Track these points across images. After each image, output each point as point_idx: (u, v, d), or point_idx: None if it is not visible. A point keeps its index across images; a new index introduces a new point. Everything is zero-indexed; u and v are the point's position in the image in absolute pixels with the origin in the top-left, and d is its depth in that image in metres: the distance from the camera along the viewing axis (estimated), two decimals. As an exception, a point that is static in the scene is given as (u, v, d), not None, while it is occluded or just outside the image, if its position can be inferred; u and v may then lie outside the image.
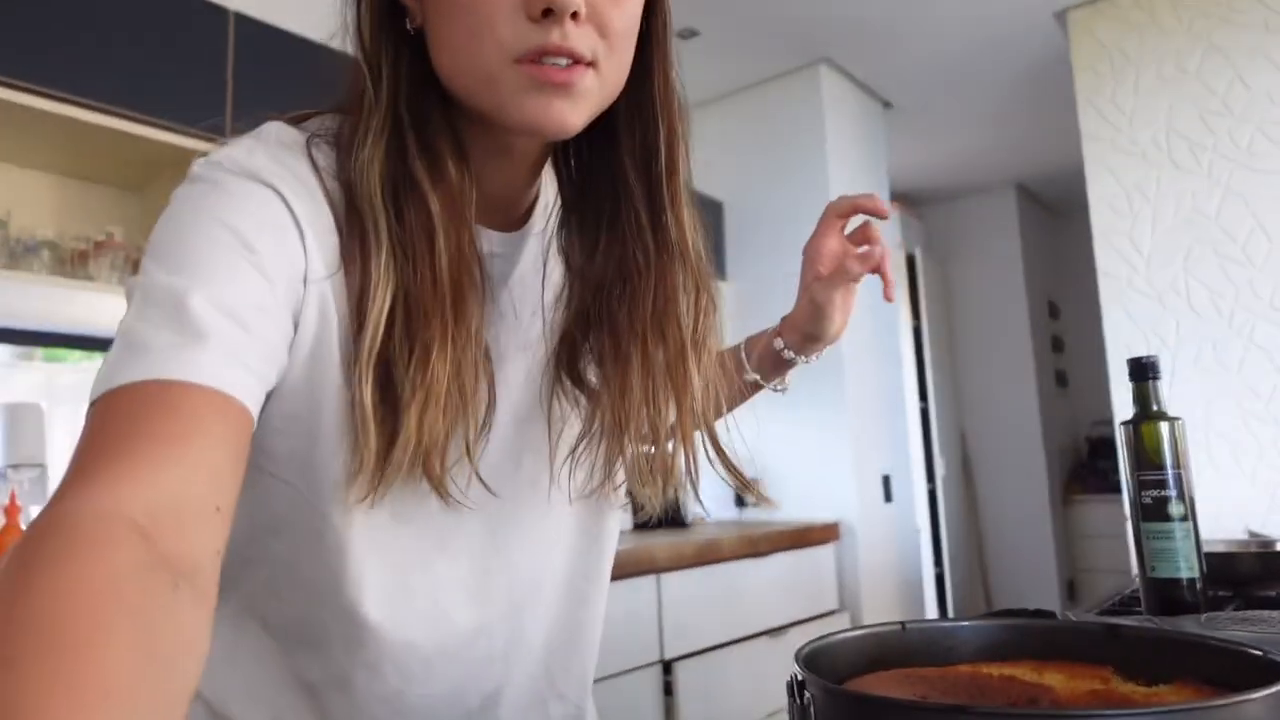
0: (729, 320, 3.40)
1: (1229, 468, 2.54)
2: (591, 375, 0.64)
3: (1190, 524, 0.93)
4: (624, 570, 2.18)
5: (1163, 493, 0.93)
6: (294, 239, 0.53)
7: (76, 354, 2.17)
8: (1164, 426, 0.94)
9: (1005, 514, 4.81)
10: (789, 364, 0.83)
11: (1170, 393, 2.59)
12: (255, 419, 0.49)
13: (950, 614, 4.21)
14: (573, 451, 0.64)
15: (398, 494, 0.56)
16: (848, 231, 0.81)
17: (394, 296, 0.54)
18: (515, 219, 0.67)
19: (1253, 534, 2.31)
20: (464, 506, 0.60)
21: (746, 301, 3.37)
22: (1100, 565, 4.65)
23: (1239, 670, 0.48)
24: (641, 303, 0.62)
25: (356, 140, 0.56)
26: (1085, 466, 5.02)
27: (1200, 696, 0.49)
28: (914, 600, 3.47)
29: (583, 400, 0.64)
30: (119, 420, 0.43)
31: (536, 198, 0.68)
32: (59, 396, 2.11)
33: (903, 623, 0.60)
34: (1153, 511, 0.93)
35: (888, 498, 3.35)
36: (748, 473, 0.70)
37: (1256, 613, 0.85)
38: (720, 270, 3.44)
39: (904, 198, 4.79)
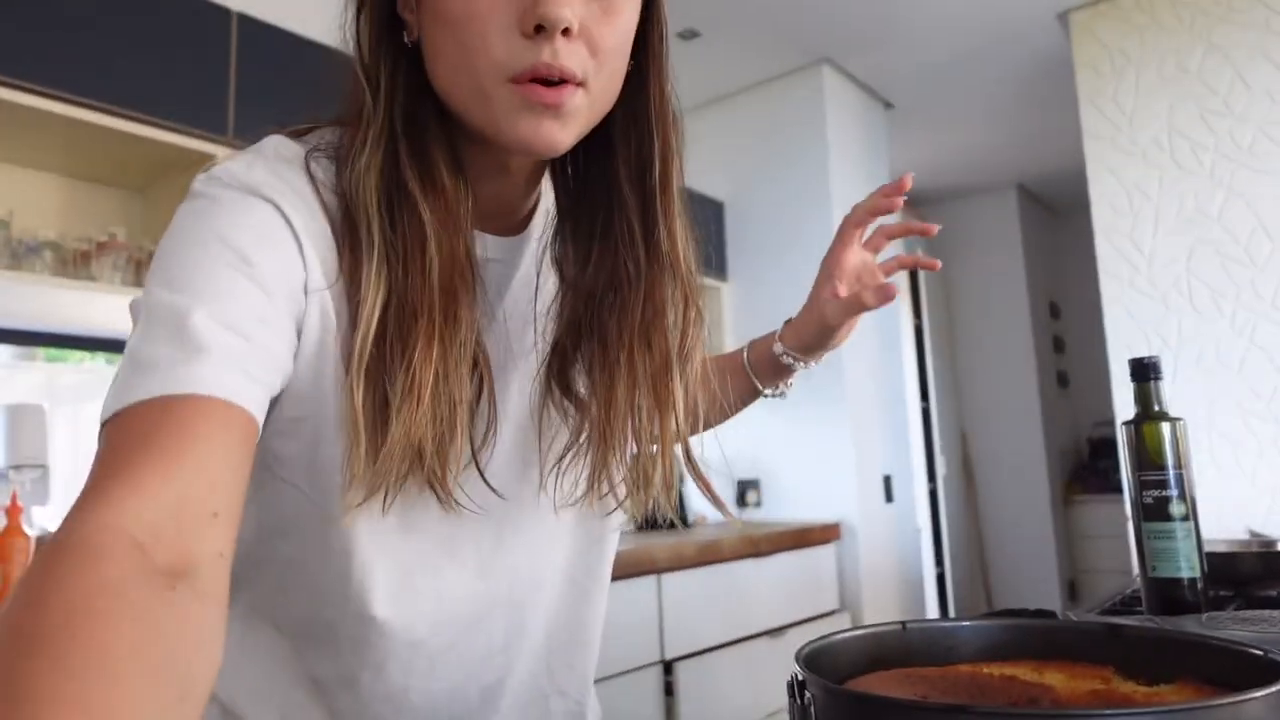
0: (729, 320, 3.41)
1: (1230, 468, 2.54)
2: (581, 386, 0.65)
3: (1191, 524, 0.93)
4: (624, 570, 2.18)
5: (1164, 493, 0.93)
6: (292, 251, 0.54)
7: (78, 354, 2.18)
8: (1165, 427, 0.94)
9: (1006, 514, 4.81)
10: (789, 370, 0.84)
11: (1172, 393, 2.59)
12: (260, 422, 0.50)
13: (951, 614, 4.20)
14: (559, 461, 0.64)
15: (404, 499, 0.57)
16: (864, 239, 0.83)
17: (385, 302, 0.55)
18: (515, 224, 0.67)
19: (1254, 534, 2.31)
20: (467, 511, 0.60)
21: (746, 301, 3.37)
22: (1101, 565, 4.65)
23: (1240, 670, 0.48)
24: (630, 313, 0.62)
25: (354, 150, 0.57)
26: (1086, 467, 5.02)
27: (1201, 696, 0.49)
28: (914, 600, 3.47)
29: (571, 411, 0.65)
30: (126, 439, 0.45)
31: (538, 202, 0.68)
32: (61, 397, 2.11)
33: (903, 623, 0.60)
34: (1154, 511, 0.93)
35: (889, 498, 3.35)
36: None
37: (1257, 612, 0.85)
38: (720, 270, 3.44)
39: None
